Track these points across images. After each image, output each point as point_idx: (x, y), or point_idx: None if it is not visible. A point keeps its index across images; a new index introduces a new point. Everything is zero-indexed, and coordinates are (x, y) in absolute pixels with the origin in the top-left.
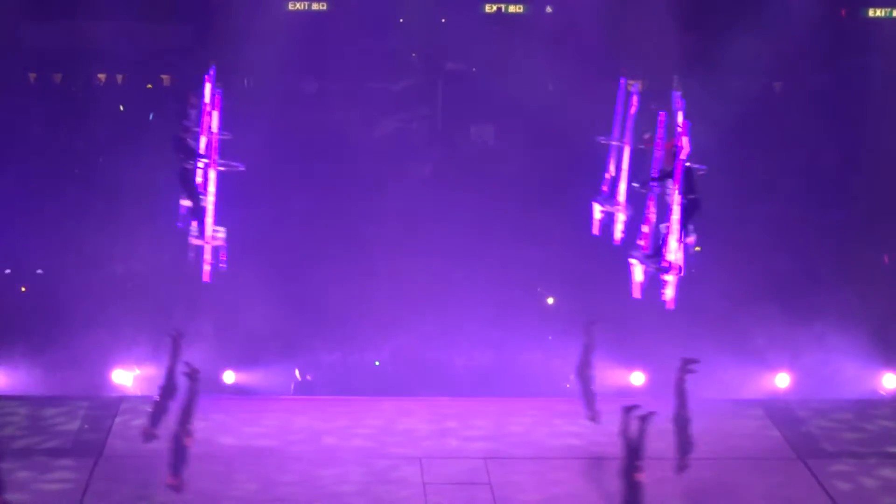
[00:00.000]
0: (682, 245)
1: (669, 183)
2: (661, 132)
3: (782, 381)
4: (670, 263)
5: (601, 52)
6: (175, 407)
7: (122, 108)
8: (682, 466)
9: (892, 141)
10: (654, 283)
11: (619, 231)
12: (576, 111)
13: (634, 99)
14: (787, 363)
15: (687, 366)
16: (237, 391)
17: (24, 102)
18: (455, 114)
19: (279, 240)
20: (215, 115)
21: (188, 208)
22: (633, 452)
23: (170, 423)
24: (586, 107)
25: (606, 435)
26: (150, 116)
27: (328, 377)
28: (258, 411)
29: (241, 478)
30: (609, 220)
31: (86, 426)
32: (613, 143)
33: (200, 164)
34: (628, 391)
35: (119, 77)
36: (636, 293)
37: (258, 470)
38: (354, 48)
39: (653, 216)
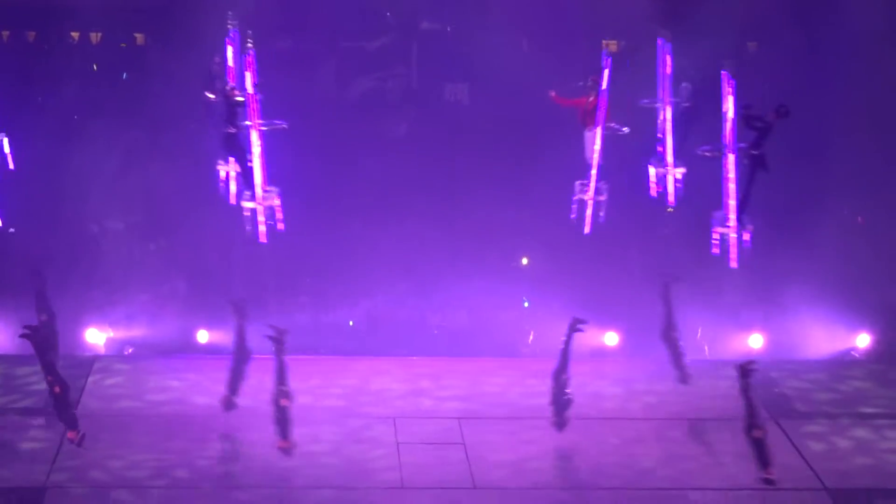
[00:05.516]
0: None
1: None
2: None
3: (756, 341)
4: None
5: (577, 11)
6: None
7: (95, 67)
8: None
9: (867, 102)
10: (621, 245)
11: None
12: (551, 71)
13: (669, 59)
14: (760, 323)
15: None
16: (211, 350)
17: None
18: (430, 73)
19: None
20: (248, 75)
21: (238, 173)
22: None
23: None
24: (561, 66)
25: (580, 396)
26: (124, 76)
27: (301, 336)
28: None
29: (213, 437)
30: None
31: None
32: (657, 104)
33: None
34: (602, 352)
35: (93, 36)
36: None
37: (231, 430)
38: (328, 6)
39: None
